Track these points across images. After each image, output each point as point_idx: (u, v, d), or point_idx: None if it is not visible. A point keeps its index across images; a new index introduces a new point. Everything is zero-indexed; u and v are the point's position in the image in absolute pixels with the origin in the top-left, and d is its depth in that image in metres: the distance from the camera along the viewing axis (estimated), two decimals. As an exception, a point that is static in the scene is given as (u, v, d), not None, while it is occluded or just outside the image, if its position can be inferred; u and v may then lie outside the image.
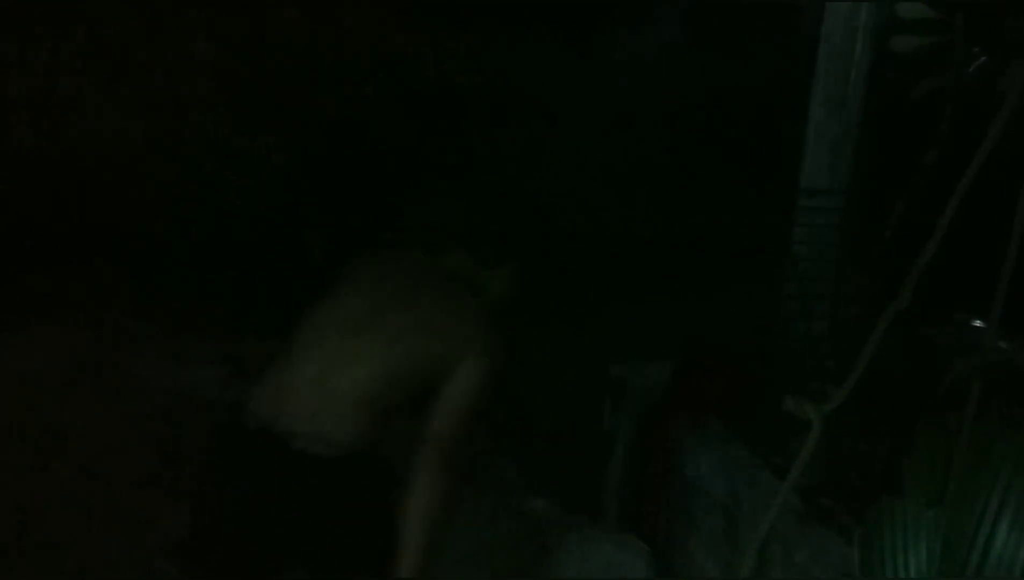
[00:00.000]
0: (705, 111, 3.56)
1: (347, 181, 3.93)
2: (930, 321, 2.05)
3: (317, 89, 3.90)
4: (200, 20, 3.87)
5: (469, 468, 2.03)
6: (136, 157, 3.91)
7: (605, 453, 2.81)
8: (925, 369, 1.81)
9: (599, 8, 3.72)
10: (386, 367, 1.73)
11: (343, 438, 1.68)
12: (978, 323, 1.88)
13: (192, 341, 3.54)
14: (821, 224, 2.49)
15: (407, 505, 1.71)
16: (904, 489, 1.48)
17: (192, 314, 3.65)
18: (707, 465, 2.33)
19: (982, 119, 2.24)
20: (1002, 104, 2.00)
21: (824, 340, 2.39)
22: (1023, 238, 1.45)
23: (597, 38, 3.81)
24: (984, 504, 1.38)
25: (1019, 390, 1.45)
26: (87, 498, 2.75)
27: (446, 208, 2.35)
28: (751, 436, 2.32)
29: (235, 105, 3.88)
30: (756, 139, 3.19)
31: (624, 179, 3.73)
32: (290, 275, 3.79)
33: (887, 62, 2.48)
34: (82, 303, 3.65)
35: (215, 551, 1.84)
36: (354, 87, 3.92)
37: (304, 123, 3.91)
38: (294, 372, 1.76)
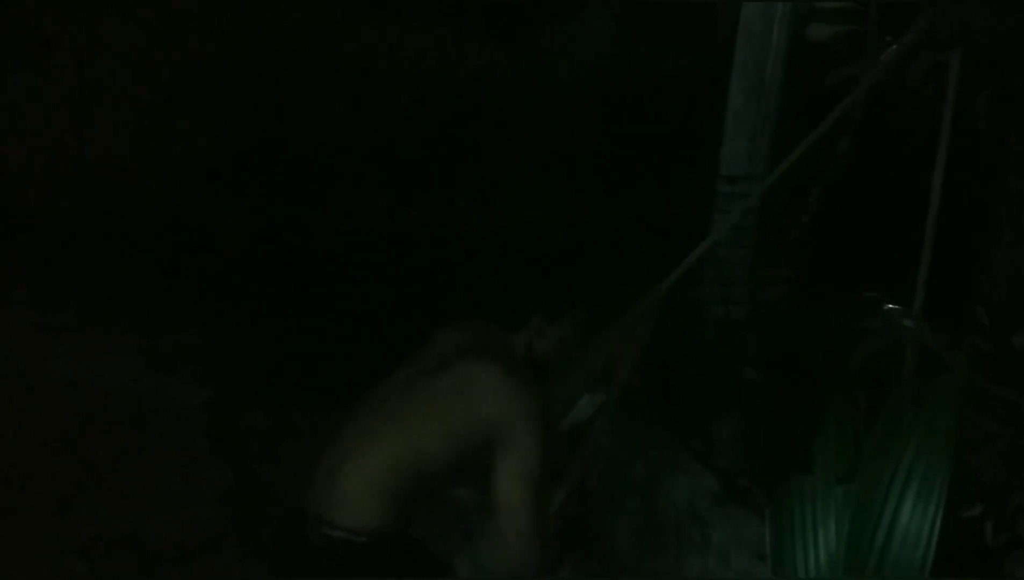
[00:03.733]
0: (626, 100, 3.58)
1: (267, 173, 3.86)
2: (841, 302, 2.09)
3: (239, 73, 3.82)
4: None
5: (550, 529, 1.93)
6: (50, 145, 3.79)
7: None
8: (836, 349, 1.84)
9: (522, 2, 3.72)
10: (408, 448, 1.65)
11: (363, 524, 1.62)
12: (889, 305, 1.92)
13: (106, 333, 3.45)
14: (739, 209, 2.52)
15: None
16: (814, 466, 1.50)
17: (106, 306, 3.55)
18: (627, 448, 2.35)
19: (893, 106, 2.29)
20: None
21: (743, 324, 2.42)
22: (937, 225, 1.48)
23: (521, 31, 3.81)
24: (891, 479, 1.40)
25: (926, 368, 1.48)
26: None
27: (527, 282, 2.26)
28: (670, 420, 2.34)
29: (152, 90, 3.79)
30: (675, 127, 3.22)
31: (548, 169, 3.74)
32: (207, 266, 3.72)
33: (803, 51, 2.52)
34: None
35: None
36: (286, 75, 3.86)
37: (223, 111, 3.84)
38: (328, 457, 1.71)
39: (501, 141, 3.70)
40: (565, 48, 3.79)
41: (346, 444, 1.69)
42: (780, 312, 2.44)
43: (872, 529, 1.39)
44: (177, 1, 3.75)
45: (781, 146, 2.52)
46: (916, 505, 1.37)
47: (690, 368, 2.38)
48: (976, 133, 2.06)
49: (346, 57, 3.88)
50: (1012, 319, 1.57)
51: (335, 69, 3.87)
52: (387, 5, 3.79)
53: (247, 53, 3.78)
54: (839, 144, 2.47)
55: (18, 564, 2.42)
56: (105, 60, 3.80)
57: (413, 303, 3.66)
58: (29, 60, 3.70)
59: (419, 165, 3.95)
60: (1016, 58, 1.97)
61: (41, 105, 3.75)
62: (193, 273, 3.70)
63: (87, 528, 2.56)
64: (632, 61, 3.55)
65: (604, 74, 3.66)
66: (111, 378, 3.21)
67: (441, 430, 1.65)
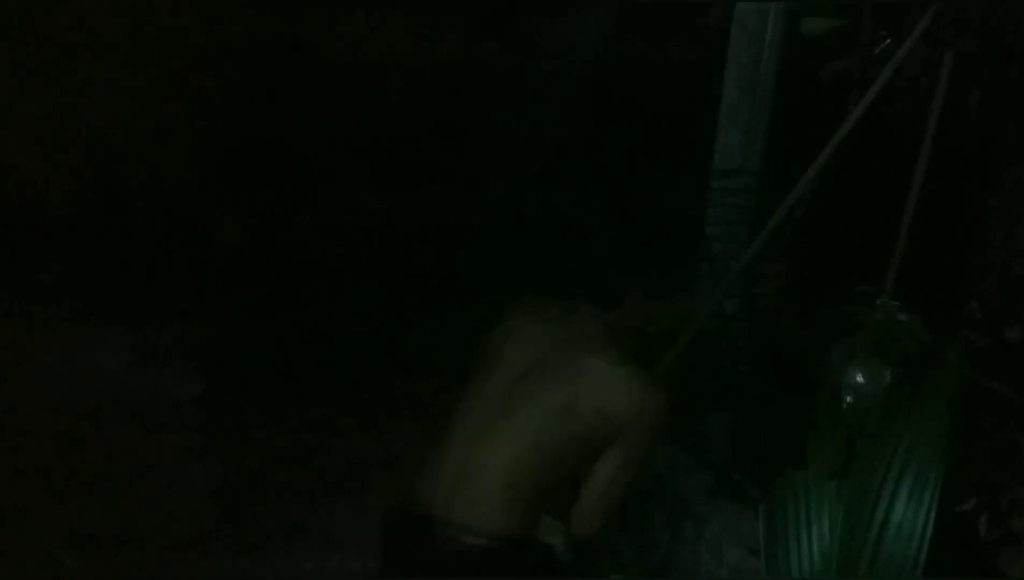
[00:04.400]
0: (618, 93, 3.58)
1: (261, 163, 3.85)
2: (835, 296, 2.09)
3: (227, 66, 3.80)
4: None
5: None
6: (38, 136, 3.77)
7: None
8: (829, 343, 1.84)
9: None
10: (536, 443, 1.57)
11: (491, 527, 1.54)
12: (881, 297, 1.92)
13: (97, 327, 3.43)
14: (734, 205, 2.52)
15: None
16: (807, 461, 1.50)
17: (97, 299, 3.54)
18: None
19: (887, 101, 2.29)
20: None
21: (736, 319, 2.42)
22: (915, 214, 1.48)
23: (513, 24, 3.80)
24: (884, 474, 1.40)
25: (918, 362, 1.48)
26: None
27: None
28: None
29: (141, 80, 3.76)
30: (668, 121, 3.22)
31: (542, 162, 3.73)
32: (202, 259, 3.71)
33: (797, 45, 2.51)
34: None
35: None
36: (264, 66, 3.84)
37: (216, 103, 3.82)
38: (443, 453, 1.62)
39: (492, 134, 3.69)
40: (557, 41, 3.78)
41: (468, 446, 1.63)
42: (774, 306, 2.44)
43: (866, 524, 1.39)
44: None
45: (775, 140, 2.52)
46: (910, 500, 1.37)
47: (683, 363, 2.38)
48: (968, 127, 2.06)
49: (340, 49, 3.87)
50: (1005, 313, 1.57)
51: (329, 61, 3.86)
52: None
53: (241, 44, 3.76)
54: (832, 138, 2.47)
55: (8, 558, 2.41)
56: (96, 51, 3.77)
57: (408, 297, 3.65)
58: (14, 50, 3.68)
59: (414, 158, 3.94)
60: (1010, 53, 1.97)
61: (29, 95, 3.72)
62: (186, 266, 3.68)
63: (77, 522, 2.55)
64: (625, 54, 3.55)
65: (596, 67, 3.66)
66: (102, 372, 3.20)
67: (565, 431, 1.58)
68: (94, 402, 3.04)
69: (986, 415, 1.48)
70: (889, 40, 2.46)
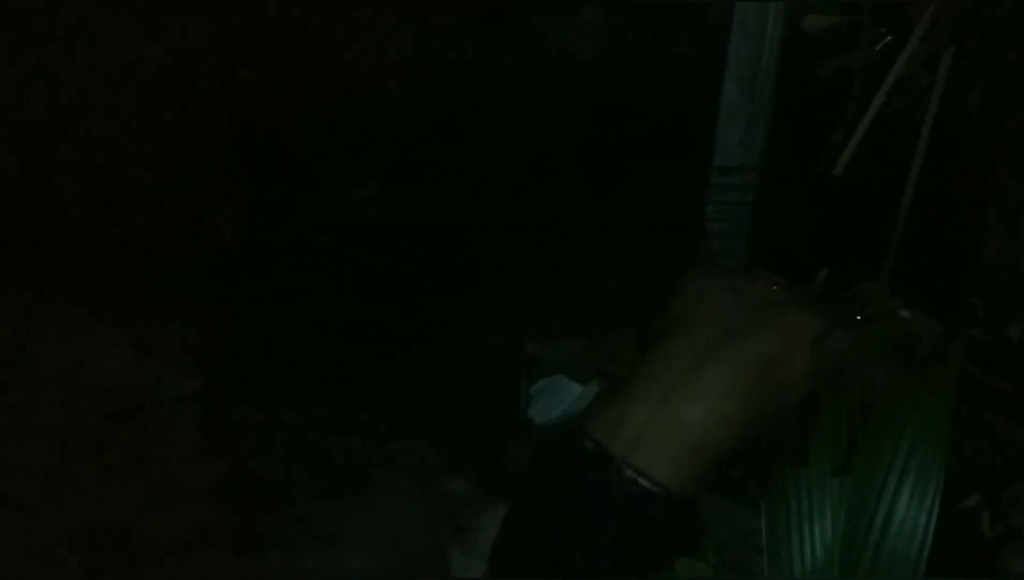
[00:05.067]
0: (619, 89, 3.57)
1: (259, 160, 3.84)
2: (835, 292, 2.09)
3: (230, 63, 3.80)
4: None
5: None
6: (43, 133, 3.76)
7: (521, 431, 2.80)
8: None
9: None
10: (730, 395, 1.59)
11: (670, 483, 1.59)
12: (883, 292, 1.91)
13: (97, 324, 3.43)
14: (734, 201, 2.52)
15: None
16: (809, 458, 1.50)
17: (97, 297, 3.53)
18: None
19: (886, 96, 2.28)
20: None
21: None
22: (911, 209, 1.48)
23: (513, 21, 3.80)
24: (887, 471, 1.40)
25: (919, 357, 1.48)
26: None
27: None
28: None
29: (140, 78, 3.76)
30: (670, 117, 3.22)
31: (541, 157, 3.73)
32: (202, 256, 3.70)
33: (798, 41, 2.51)
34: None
35: (519, 553, 1.76)
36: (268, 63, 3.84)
37: (215, 99, 3.81)
38: (632, 402, 1.66)
39: (494, 132, 3.69)
40: (557, 37, 3.78)
41: (661, 400, 1.64)
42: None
43: (868, 521, 1.38)
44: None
45: (775, 137, 2.52)
46: (912, 496, 1.37)
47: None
48: (968, 124, 2.06)
49: (340, 47, 3.86)
50: (1008, 309, 1.57)
51: (328, 60, 3.85)
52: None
53: (242, 42, 3.75)
54: (833, 135, 2.47)
55: (8, 555, 2.41)
56: (95, 49, 3.77)
57: (407, 294, 3.65)
58: (15, 46, 3.67)
59: (413, 156, 3.94)
60: (1009, 50, 1.97)
61: (28, 93, 3.72)
62: (186, 264, 3.68)
63: (77, 521, 2.54)
64: (626, 51, 3.54)
65: (596, 65, 3.65)
66: (102, 369, 3.19)
67: (766, 380, 1.60)
68: (94, 399, 3.04)
69: (988, 411, 1.48)
70: (890, 37, 2.46)
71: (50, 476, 2.70)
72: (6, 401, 2.96)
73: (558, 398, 2.49)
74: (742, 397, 1.59)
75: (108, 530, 2.54)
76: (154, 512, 2.63)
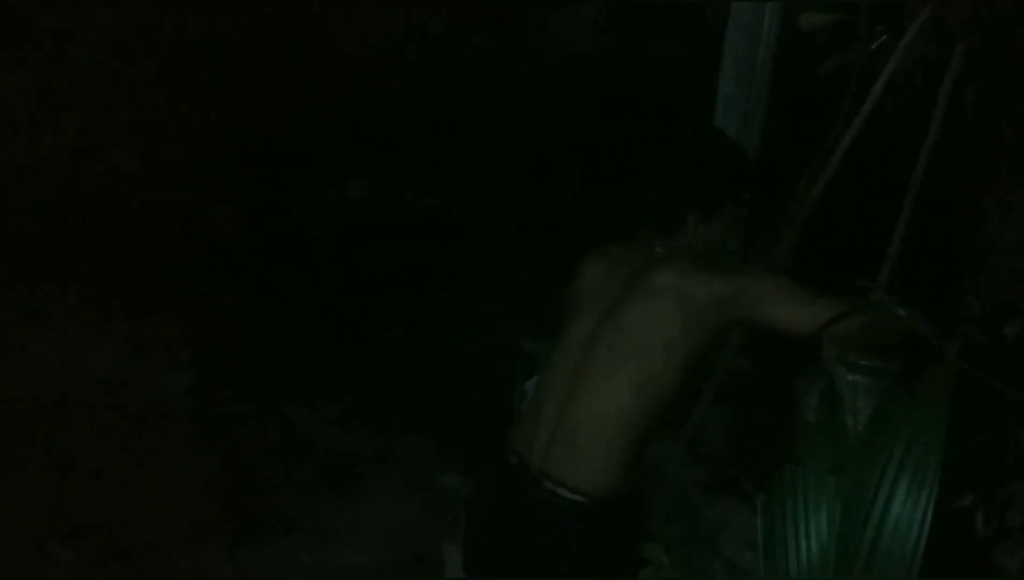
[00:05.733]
0: (616, 87, 3.57)
1: (255, 156, 3.83)
2: (832, 290, 2.09)
3: (228, 57, 3.79)
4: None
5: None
6: (36, 129, 3.75)
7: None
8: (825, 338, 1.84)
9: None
10: (622, 393, 1.53)
11: (589, 488, 1.53)
12: (880, 290, 1.91)
13: (90, 319, 3.42)
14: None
15: None
16: (805, 456, 1.50)
17: (90, 292, 3.52)
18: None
19: (884, 96, 2.28)
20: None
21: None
22: (913, 210, 1.48)
23: (511, 17, 3.80)
24: (882, 470, 1.40)
25: (917, 356, 1.48)
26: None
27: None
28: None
29: (138, 73, 3.74)
30: (665, 114, 3.21)
31: (541, 156, 3.73)
32: (192, 252, 3.70)
33: (794, 39, 2.51)
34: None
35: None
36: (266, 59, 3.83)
37: (210, 96, 3.80)
38: (542, 407, 1.61)
39: (489, 128, 3.69)
40: (555, 34, 3.77)
41: (564, 401, 1.59)
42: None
43: (863, 519, 1.38)
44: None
45: (770, 134, 2.52)
46: (908, 495, 1.37)
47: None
48: (965, 123, 2.06)
49: (335, 41, 3.85)
50: (1004, 309, 1.57)
51: (323, 53, 3.84)
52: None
53: (236, 36, 3.74)
54: (830, 134, 2.47)
55: (2, 549, 2.40)
56: (91, 43, 3.75)
57: (400, 289, 3.65)
58: (9, 40, 3.65)
59: (408, 151, 3.93)
60: (1009, 48, 1.96)
61: (22, 87, 3.70)
62: (178, 259, 3.67)
63: (70, 516, 2.54)
64: (623, 48, 3.54)
65: (593, 61, 3.65)
66: (95, 364, 3.19)
67: (665, 350, 1.53)
68: (88, 395, 3.03)
69: (983, 410, 1.48)
70: (887, 36, 2.46)
71: (43, 469, 2.69)
72: (0, 394, 2.95)
73: None
74: (634, 373, 1.54)
75: (100, 523, 2.53)
76: (148, 506, 2.63)
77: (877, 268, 1.92)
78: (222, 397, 3.17)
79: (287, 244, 3.87)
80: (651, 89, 3.39)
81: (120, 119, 3.79)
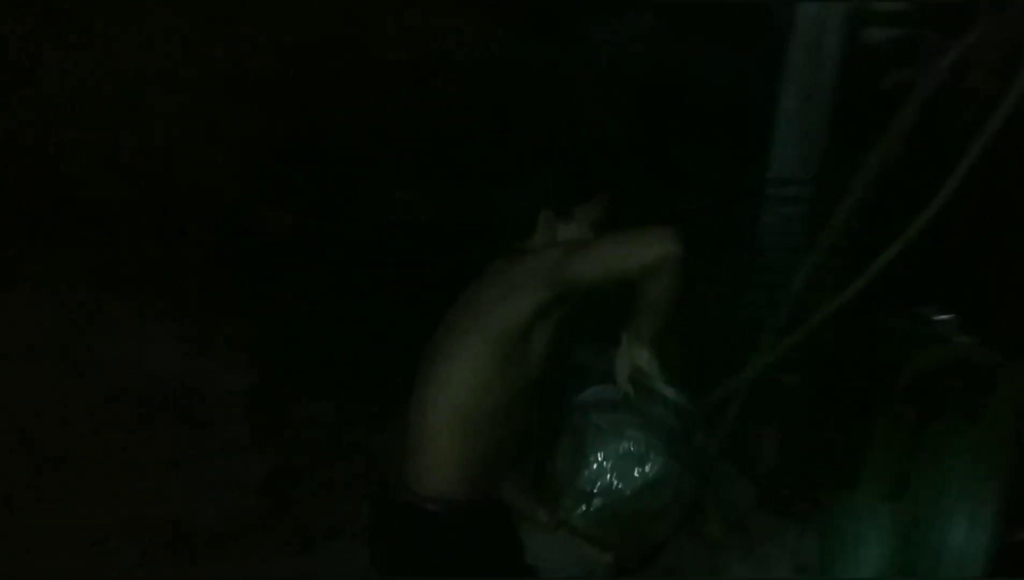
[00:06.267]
0: (677, 101, 3.55)
1: (311, 158, 3.88)
2: (892, 312, 2.06)
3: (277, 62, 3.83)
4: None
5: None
6: (100, 130, 3.83)
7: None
8: (885, 360, 1.82)
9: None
10: (465, 387, 1.58)
11: (444, 493, 1.58)
12: (940, 317, 1.89)
13: (152, 319, 3.48)
14: (790, 214, 2.50)
15: None
16: (861, 481, 1.49)
17: (153, 292, 3.59)
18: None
19: (949, 112, 2.25)
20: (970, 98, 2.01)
21: (785, 330, 2.39)
22: (973, 233, 1.46)
23: (569, 28, 3.79)
24: (940, 500, 1.38)
25: (976, 385, 1.46)
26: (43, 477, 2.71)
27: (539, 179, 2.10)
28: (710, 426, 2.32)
29: (192, 76, 3.80)
30: (724, 127, 3.19)
31: (590, 163, 3.71)
32: (257, 252, 3.75)
33: (858, 54, 2.48)
34: (44, 278, 3.58)
35: None
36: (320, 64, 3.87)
37: (265, 97, 3.85)
38: (410, 419, 1.68)
39: (539, 135, 3.69)
40: (611, 44, 3.76)
41: (413, 411, 1.66)
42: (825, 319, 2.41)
43: (921, 550, 1.37)
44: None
45: (832, 150, 2.49)
46: (967, 525, 1.35)
47: (729, 373, 2.36)
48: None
49: (387, 46, 3.88)
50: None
51: (376, 58, 3.88)
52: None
53: (290, 41, 3.79)
54: (890, 149, 2.43)
55: (65, 545, 2.46)
56: (152, 45, 3.82)
57: (455, 290, 3.66)
58: (72, 41, 3.73)
59: (458, 154, 3.95)
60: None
61: (86, 87, 3.78)
62: (238, 260, 3.72)
63: (131, 512, 2.59)
64: (683, 63, 3.52)
65: (653, 75, 3.63)
66: (157, 364, 3.25)
67: (488, 342, 1.58)
68: (149, 393, 3.09)
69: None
70: (952, 50, 2.42)
71: (105, 467, 2.75)
72: (63, 394, 3.03)
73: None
74: (481, 374, 1.57)
75: (160, 520, 2.58)
76: (205, 503, 2.67)
77: (938, 290, 1.89)
78: (280, 397, 3.21)
79: (345, 245, 3.90)
80: (712, 104, 3.37)
81: (181, 123, 3.86)
